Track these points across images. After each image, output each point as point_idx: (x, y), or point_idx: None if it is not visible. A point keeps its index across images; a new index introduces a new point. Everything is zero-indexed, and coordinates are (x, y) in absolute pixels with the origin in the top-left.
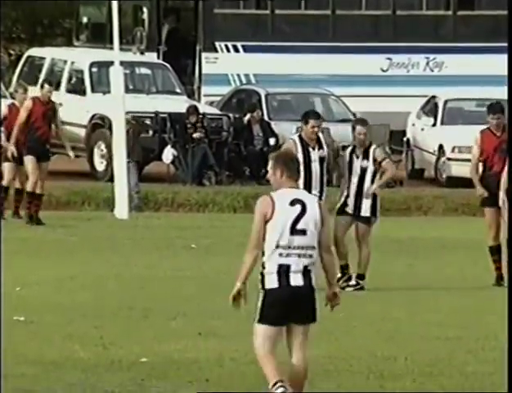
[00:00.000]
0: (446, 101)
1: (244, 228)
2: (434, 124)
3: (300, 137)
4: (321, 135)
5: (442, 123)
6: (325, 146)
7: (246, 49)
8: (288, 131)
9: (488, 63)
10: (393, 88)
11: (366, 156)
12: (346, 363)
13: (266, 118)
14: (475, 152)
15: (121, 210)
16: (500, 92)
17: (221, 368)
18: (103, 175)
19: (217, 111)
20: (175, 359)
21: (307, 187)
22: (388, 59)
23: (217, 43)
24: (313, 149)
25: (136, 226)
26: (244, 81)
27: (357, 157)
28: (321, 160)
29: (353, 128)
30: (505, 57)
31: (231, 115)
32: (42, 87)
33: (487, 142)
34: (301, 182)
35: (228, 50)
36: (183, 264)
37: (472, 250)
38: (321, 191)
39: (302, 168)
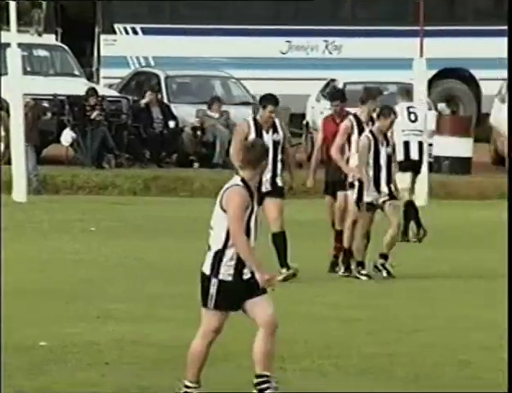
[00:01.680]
0: (345, 84)
1: (143, 211)
2: None
3: (255, 119)
4: (276, 120)
5: None
6: (280, 131)
7: (145, 31)
8: (188, 114)
9: (387, 46)
10: (293, 70)
11: (388, 143)
12: (246, 345)
13: (165, 101)
14: (318, 138)
15: (19, 193)
16: (399, 75)
17: (121, 351)
18: (1, 158)
19: (117, 94)
20: (74, 342)
21: None
22: (288, 42)
23: (115, 25)
24: (267, 132)
25: (34, 209)
26: (143, 63)
27: (382, 144)
28: (275, 143)
29: (379, 116)
30: (403, 40)
31: (130, 97)
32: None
33: (327, 129)
34: None
35: (127, 32)
36: (83, 247)
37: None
38: (273, 176)
39: None
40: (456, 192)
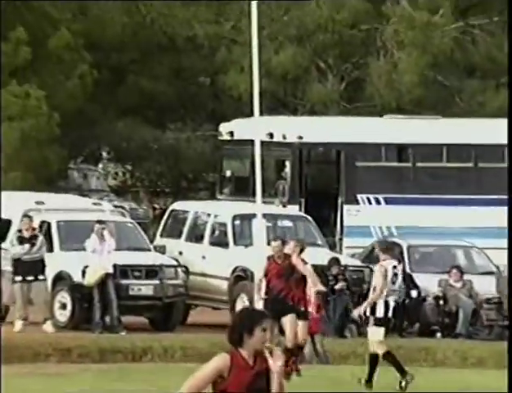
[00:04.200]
0: None
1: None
2: None
3: None
4: None
5: None
6: None
7: (388, 201)
8: (430, 283)
9: None
10: None
11: None
12: None
13: (408, 270)
14: None
15: None
16: None
17: None
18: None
19: (359, 263)
20: None
21: None
22: None
23: (359, 196)
24: None
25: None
26: (385, 233)
27: None
28: None
29: None
30: None
31: (372, 266)
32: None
33: None
34: None
35: (370, 202)
36: None
37: None
38: None
39: None
40: None
